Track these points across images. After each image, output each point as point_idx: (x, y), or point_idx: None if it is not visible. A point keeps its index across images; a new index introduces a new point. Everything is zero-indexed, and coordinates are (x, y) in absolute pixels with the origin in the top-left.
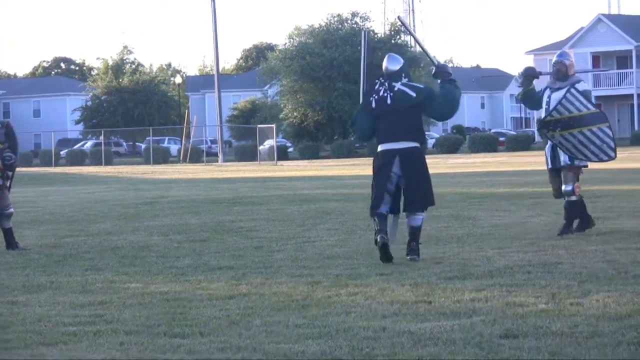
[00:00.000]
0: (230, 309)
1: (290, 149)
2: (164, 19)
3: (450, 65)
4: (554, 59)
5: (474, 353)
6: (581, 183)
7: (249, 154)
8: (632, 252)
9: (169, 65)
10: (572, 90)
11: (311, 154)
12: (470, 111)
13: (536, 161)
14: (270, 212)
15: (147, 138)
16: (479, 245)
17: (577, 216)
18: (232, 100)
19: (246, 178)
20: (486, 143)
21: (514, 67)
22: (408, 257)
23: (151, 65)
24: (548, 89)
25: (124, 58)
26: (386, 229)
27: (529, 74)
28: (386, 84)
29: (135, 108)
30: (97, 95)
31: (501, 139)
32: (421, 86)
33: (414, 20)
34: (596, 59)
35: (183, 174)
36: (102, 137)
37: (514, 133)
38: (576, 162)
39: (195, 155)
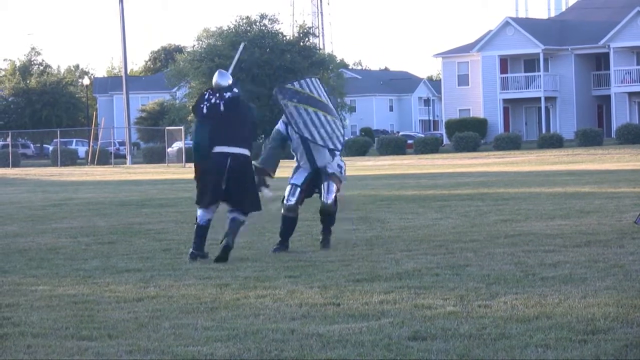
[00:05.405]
0: (138, 312)
1: None
2: (72, 20)
3: (359, 68)
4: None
5: (382, 355)
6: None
7: (157, 156)
8: (539, 255)
9: (77, 66)
10: (322, 82)
11: None
12: (379, 114)
13: (444, 164)
14: (179, 215)
15: (55, 140)
16: (387, 248)
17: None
18: (140, 102)
19: (154, 180)
20: (395, 145)
21: (423, 70)
22: (223, 242)
23: (59, 66)
24: None
25: (32, 59)
26: (201, 243)
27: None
28: (217, 94)
29: (42, 109)
30: (4, 96)
31: (409, 141)
32: (251, 105)
33: (322, 22)
34: (504, 62)
35: (91, 176)
36: (9, 139)
37: (422, 135)
38: (337, 173)
39: (103, 157)
